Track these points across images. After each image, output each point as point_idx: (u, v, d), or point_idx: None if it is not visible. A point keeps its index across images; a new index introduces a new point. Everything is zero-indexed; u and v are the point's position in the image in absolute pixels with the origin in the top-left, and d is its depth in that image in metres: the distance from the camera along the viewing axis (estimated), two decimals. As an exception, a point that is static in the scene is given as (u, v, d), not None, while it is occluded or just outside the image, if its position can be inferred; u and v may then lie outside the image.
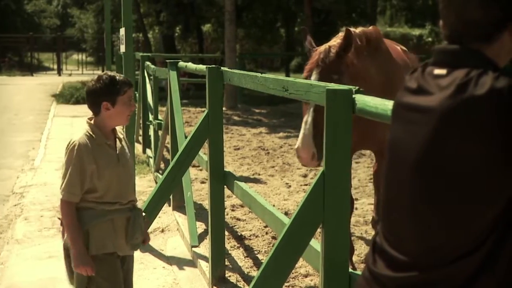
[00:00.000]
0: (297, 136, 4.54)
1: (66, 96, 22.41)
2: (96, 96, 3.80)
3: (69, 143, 3.75)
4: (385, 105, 2.72)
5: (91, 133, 3.79)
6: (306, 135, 4.57)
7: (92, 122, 3.85)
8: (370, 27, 5.36)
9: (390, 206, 2.05)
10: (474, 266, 1.84)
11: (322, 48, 4.84)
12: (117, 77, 3.84)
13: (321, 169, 3.22)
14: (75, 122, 16.11)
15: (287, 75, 31.32)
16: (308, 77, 4.72)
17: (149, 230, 6.22)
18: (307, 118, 4.59)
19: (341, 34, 5.02)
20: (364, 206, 8.11)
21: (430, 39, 35.12)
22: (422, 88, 1.95)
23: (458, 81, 1.84)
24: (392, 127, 2.08)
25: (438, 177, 1.87)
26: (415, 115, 1.94)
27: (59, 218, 3.91)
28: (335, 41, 4.90)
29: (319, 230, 3.32)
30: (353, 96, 3.09)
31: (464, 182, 1.82)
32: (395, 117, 2.08)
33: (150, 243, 6.58)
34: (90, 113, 3.92)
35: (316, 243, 3.44)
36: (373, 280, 2.05)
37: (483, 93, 1.79)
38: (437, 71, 1.93)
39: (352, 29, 5.10)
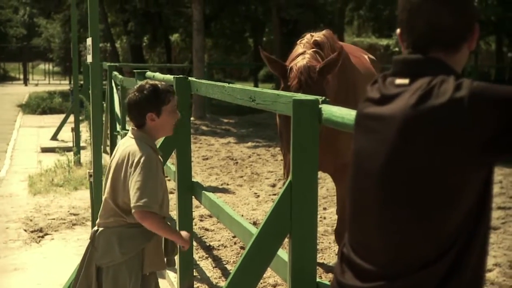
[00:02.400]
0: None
1: (33, 107, 22.19)
2: (141, 108, 3.60)
3: (137, 155, 3.52)
4: (351, 115, 2.74)
5: (149, 143, 3.62)
6: None
7: (142, 133, 3.64)
8: (323, 31, 5.23)
9: (356, 216, 2.06)
10: (441, 273, 1.86)
11: (300, 64, 4.66)
12: (160, 86, 3.65)
13: (288, 179, 3.23)
14: (41, 133, 15.94)
15: (256, 85, 31.37)
16: None
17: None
18: None
19: (306, 41, 4.95)
20: (333, 215, 8.14)
21: (397, 48, 35.44)
22: (384, 98, 1.97)
23: (420, 90, 1.87)
24: (355, 138, 2.09)
25: (402, 185, 1.89)
26: (379, 124, 1.96)
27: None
28: (305, 52, 4.81)
29: (287, 239, 3.32)
30: (320, 106, 3.10)
31: (428, 189, 1.85)
32: (358, 128, 2.09)
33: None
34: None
35: (284, 253, 3.44)
36: (341, 290, 2.06)
37: (444, 101, 1.82)
38: (399, 81, 1.96)
39: (311, 35, 5.04)
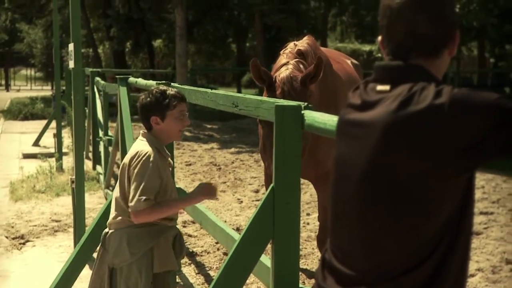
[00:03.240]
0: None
1: (14, 112, 22.05)
2: (146, 111, 3.71)
3: (138, 154, 3.62)
4: (333, 121, 2.74)
5: (155, 145, 3.69)
6: None
7: (150, 136, 3.74)
8: (305, 38, 5.21)
9: (338, 222, 2.06)
10: (422, 279, 1.86)
11: (283, 75, 4.67)
12: (168, 91, 3.73)
13: (271, 184, 3.23)
14: (23, 139, 15.83)
15: (239, 91, 31.40)
16: None
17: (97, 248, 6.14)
18: None
19: (289, 51, 4.96)
20: (316, 221, 8.13)
21: (379, 54, 35.64)
22: (366, 104, 1.97)
23: (401, 96, 1.87)
24: (337, 144, 2.10)
25: (383, 191, 1.89)
26: (360, 130, 1.96)
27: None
28: (288, 62, 4.79)
29: (270, 245, 3.32)
30: (302, 112, 3.11)
31: (410, 194, 1.85)
32: (340, 134, 2.10)
33: (100, 261, 6.50)
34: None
35: (266, 259, 3.44)
36: (323, 296, 2.05)
37: (424, 107, 1.82)
38: (380, 87, 1.96)
39: (294, 44, 5.03)
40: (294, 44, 5.11)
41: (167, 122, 3.70)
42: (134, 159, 3.62)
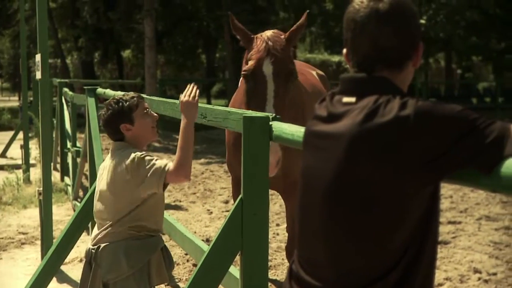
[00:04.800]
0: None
1: (-19, 123, 21.84)
2: (113, 123, 3.63)
3: (133, 157, 3.48)
4: (301, 132, 2.75)
5: (137, 150, 3.57)
6: None
7: (124, 143, 3.63)
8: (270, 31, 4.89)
9: (304, 233, 2.07)
10: (390, 286, 1.87)
11: (268, 34, 4.50)
12: (124, 96, 3.68)
13: (239, 196, 3.23)
14: (-10, 150, 15.66)
15: (209, 102, 31.38)
16: (258, 68, 4.32)
17: (67, 260, 6.08)
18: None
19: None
20: (286, 231, 8.15)
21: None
22: (332, 116, 1.99)
23: (367, 108, 1.89)
24: (303, 156, 2.11)
25: (350, 202, 1.90)
26: (326, 142, 1.97)
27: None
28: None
29: (238, 256, 3.32)
30: (270, 123, 3.12)
31: (375, 205, 1.87)
32: (306, 146, 2.11)
33: (68, 273, 6.43)
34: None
35: (235, 270, 3.44)
36: (290, 307, 2.06)
37: (389, 119, 1.84)
38: (346, 99, 1.98)
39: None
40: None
41: (137, 124, 3.63)
42: (127, 164, 3.50)
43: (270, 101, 4.18)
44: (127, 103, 3.63)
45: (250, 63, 4.33)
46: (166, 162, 3.45)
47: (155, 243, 3.63)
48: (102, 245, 3.63)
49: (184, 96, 3.49)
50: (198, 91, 3.54)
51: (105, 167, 3.72)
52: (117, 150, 3.65)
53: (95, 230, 3.70)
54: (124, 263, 3.55)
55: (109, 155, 3.73)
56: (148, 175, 3.44)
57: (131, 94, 3.75)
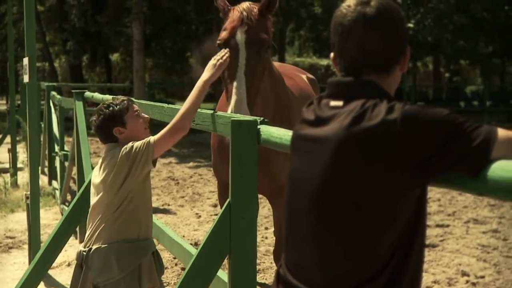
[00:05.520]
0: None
1: (-32, 127, 21.72)
2: (105, 127, 3.65)
3: (122, 150, 3.53)
4: (289, 135, 2.75)
5: None
6: (240, 99, 4.07)
7: (117, 143, 3.65)
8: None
9: (292, 237, 2.07)
10: (379, 290, 1.88)
11: (244, 5, 4.47)
12: (113, 100, 3.71)
13: (227, 199, 3.23)
14: (-22, 154, 15.57)
15: (197, 105, 31.24)
16: (231, 37, 4.31)
17: (55, 264, 6.06)
18: (238, 82, 4.15)
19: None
20: (274, 235, 8.14)
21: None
22: (319, 120, 1.99)
23: (354, 112, 1.89)
24: (291, 160, 2.11)
25: (337, 205, 1.90)
26: (314, 146, 1.98)
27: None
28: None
29: (227, 260, 3.31)
30: (258, 127, 3.12)
31: (362, 209, 1.87)
32: (294, 150, 2.11)
33: (56, 277, 6.40)
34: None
35: (223, 274, 3.43)
36: (278, 311, 2.06)
37: (377, 123, 1.85)
38: (334, 103, 1.98)
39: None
40: None
41: (130, 126, 3.66)
42: (125, 150, 3.54)
43: (241, 68, 4.19)
44: (118, 106, 3.65)
45: (224, 33, 4.37)
46: (148, 138, 3.56)
47: (147, 247, 3.64)
48: (94, 247, 3.63)
49: (214, 59, 3.68)
50: (228, 60, 3.74)
51: (99, 167, 3.74)
52: (110, 150, 3.67)
53: (87, 232, 3.70)
54: (115, 266, 3.55)
55: (103, 157, 3.75)
56: (137, 156, 3.51)
57: (121, 97, 3.77)
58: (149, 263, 3.69)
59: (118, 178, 3.56)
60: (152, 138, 3.53)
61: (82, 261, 3.66)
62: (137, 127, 3.69)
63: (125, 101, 3.71)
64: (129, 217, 3.58)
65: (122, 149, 3.55)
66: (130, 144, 3.56)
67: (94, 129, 3.72)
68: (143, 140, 3.54)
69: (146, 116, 3.78)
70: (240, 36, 4.29)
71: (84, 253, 3.65)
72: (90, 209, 3.75)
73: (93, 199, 3.70)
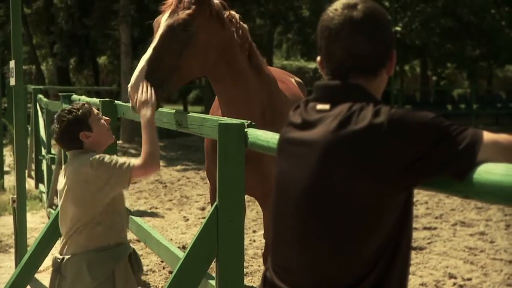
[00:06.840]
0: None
1: (-46, 130, 21.57)
2: (71, 133, 3.57)
3: (91, 162, 3.44)
4: (276, 139, 2.76)
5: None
6: (138, 70, 4.00)
7: (83, 150, 3.59)
8: None
9: (278, 240, 2.07)
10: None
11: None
12: (74, 106, 3.66)
13: (215, 203, 3.23)
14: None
15: (185, 108, 31.32)
16: (160, 18, 4.32)
17: (41, 268, 6.03)
18: (146, 54, 4.10)
19: None
20: (263, 238, 8.14)
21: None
22: (306, 123, 1.99)
23: (341, 116, 1.90)
24: (278, 163, 2.11)
25: (324, 209, 1.91)
26: (301, 149, 1.98)
27: None
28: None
29: (215, 263, 3.31)
30: (246, 130, 3.12)
31: (349, 212, 1.87)
32: (280, 153, 2.11)
33: (43, 281, 6.37)
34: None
35: (211, 277, 3.43)
36: (264, 314, 2.06)
37: (363, 127, 1.85)
38: (320, 106, 1.98)
39: None
40: None
41: (95, 129, 3.61)
42: (94, 164, 3.45)
43: (153, 44, 4.17)
44: (80, 111, 3.60)
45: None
46: (126, 159, 3.48)
47: (119, 253, 3.59)
48: (66, 257, 3.60)
49: (139, 96, 3.59)
50: (152, 90, 3.64)
51: (63, 173, 3.66)
52: (74, 158, 3.60)
53: (61, 238, 3.67)
54: (87, 276, 3.52)
55: (67, 163, 3.68)
56: (112, 176, 3.43)
57: (80, 102, 3.74)
58: (125, 267, 3.64)
59: (87, 191, 3.49)
60: (132, 162, 3.45)
61: (57, 268, 3.63)
62: (102, 129, 3.65)
63: (86, 105, 3.67)
64: (99, 226, 3.52)
65: (92, 159, 3.46)
66: (104, 156, 3.47)
67: (57, 136, 3.64)
68: (123, 160, 3.46)
69: (107, 118, 3.75)
70: (165, 18, 4.30)
71: (59, 260, 3.62)
72: (59, 216, 3.68)
73: (62, 206, 3.63)
